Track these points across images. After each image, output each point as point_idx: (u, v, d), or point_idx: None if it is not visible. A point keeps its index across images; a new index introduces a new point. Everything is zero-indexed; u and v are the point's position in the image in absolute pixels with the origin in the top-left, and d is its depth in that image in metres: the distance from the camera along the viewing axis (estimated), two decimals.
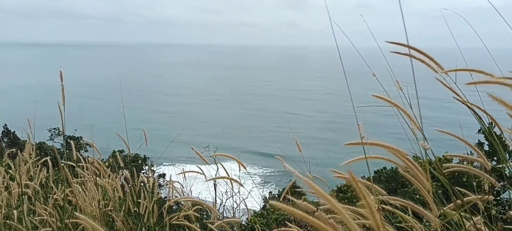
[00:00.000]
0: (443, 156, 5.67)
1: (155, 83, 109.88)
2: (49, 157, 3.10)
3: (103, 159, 3.90)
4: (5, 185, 3.03)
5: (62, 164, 2.52)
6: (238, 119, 65.91)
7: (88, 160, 3.02)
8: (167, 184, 3.05)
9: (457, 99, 1.36)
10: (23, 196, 2.96)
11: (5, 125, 15.92)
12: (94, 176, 2.74)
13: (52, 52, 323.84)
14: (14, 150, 3.40)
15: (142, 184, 2.88)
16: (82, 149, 14.63)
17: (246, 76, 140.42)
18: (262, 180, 38.49)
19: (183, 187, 3.01)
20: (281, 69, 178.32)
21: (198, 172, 2.81)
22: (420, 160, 1.43)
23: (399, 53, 1.29)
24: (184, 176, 2.81)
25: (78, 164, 2.95)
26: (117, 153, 3.53)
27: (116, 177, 2.92)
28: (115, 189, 2.74)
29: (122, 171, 2.94)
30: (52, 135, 17.96)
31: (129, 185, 3.11)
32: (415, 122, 1.21)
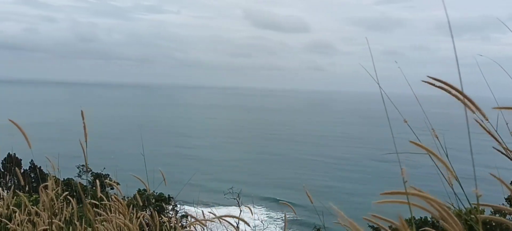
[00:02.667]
0: (474, 206, 5.44)
1: (180, 125, 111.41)
2: (74, 193, 3.13)
3: (127, 197, 3.91)
4: (32, 219, 3.06)
5: (86, 201, 2.52)
6: (258, 163, 65.50)
7: (111, 198, 3.03)
8: (189, 225, 3.01)
9: (496, 149, 1.30)
10: None
11: (32, 160, 16.29)
12: (116, 215, 2.73)
13: (84, 91, 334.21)
14: (47, 184, 3.43)
15: (163, 223, 2.85)
16: (108, 187, 14.71)
17: (270, 119, 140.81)
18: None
19: (204, 228, 2.96)
20: (305, 113, 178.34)
21: (219, 217, 2.76)
22: (454, 209, 1.36)
23: (443, 87, 1.22)
24: (204, 217, 2.77)
25: (102, 202, 2.96)
26: (137, 193, 3.54)
27: (138, 217, 2.91)
28: (135, 229, 2.72)
29: (144, 211, 2.93)
30: (80, 171, 18.26)
31: (150, 225, 3.08)
32: (451, 170, 1.15)
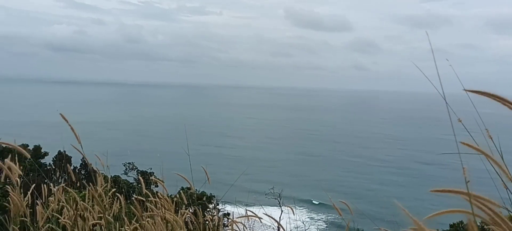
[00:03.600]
0: None
1: (221, 124, 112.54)
2: (122, 190, 3.24)
3: (171, 195, 4.00)
4: (82, 214, 3.19)
5: (133, 198, 2.61)
6: (298, 164, 64.96)
7: (157, 195, 3.11)
8: (230, 224, 3.04)
9: None
10: (95, 227, 3.10)
11: (83, 157, 16.92)
12: (163, 211, 2.81)
13: (131, 91, 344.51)
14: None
15: (206, 222, 2.90)
16: (152, 185, 15.09)
17: (311, 119, 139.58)
18: (326, 227, 37.43)
19: (246, 228, 2.99)
20: (346, 113, 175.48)
21: (257, 217, 2.77)
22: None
23: (488, 95, 1.17)
24: (248, 217, 2.79)
25: (148, 199, 3.05)
26: (181, 191, 3.61)
27: (182, 214, 2.97)
28: (181, 225, 2.78)
29: (188, 208, 2.99)
30: (126, 169, 18.81)
31: (194, 222, 3.14)
32: (507, 172, 1.10)
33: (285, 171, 58.74)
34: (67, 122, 2.78)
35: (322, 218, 39.63)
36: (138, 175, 18.79)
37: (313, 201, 43.32)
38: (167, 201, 2.84)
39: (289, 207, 2.66)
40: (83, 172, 16.84)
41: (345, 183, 52.88)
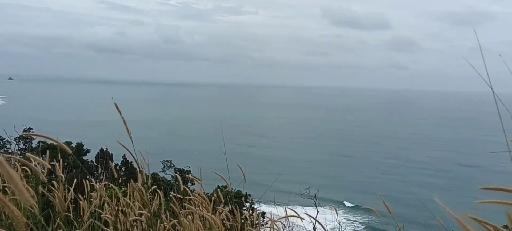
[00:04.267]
0: None
1: (255, 124, 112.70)
2: (161, 187, 3.32)
3: (207, 193, 4.08)
4: (122, 210, 3.29)
5: (171, 195, 2.67)
6: (332, 165, 64.14)
7: (194, 193, 3.17)
8: (267, 223, 3.06)
9: None
10: (135, 222, 3.19)
11: (124, 155, 17.41)
12: (200, 209, 2.86)
13: (168, 91, 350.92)
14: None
15: (243, 220, 2.93)
16: (189, 183, 15.37)
17: (346, 119, 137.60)
18: (364, 228, 36.88)
19: (284, 227, 3.00)
20: (383, 113, 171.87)
21: (299, 217, 2.78)
22: None
23: None
24: (287, 216, 2.80)
25: (186, 196, 3.11)
26: (218, 190, 3.67)
27: (220, 212, 3.02)
28: (218, 223, 2.82)
29: (225, 206, 3.03)
30: (164, 167, 19.22)
31: (231, 221, 3.18)
32: None
33: (318, 171, 58.15)
34: (117, 108, 2.86)
35: (359, 220, 39.05)
36: (175, 173, 19.18)
37: (346, 203, 42.70)
38: (204, 199, 2.89)
39: (333, 207, 2.64)
40: (123, 169, 17.35)
41: (380, 185, 51.88)
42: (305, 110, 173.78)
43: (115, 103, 2.65)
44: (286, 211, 2.72)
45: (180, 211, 2.87)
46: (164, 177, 17.21)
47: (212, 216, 2.70)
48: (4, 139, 19.79)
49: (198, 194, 3.02)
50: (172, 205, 2.76)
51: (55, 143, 2.14)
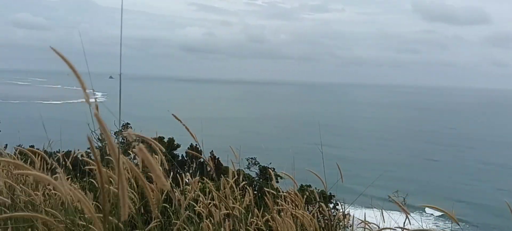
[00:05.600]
0: None
1: (340, 123, 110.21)
2: (253, 184, 3.37)
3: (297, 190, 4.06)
4: (215, 204, 3.41)
5: (265, 190, 2.70)
6: (421, 168, 60.54)
7: (288, 191, 3.18)
8: (359, 225, 2.98)
9: None
10: (227, 217, 3.29)
11: (212, 151, 18.03)
12: (293, 207, 2.86)
13: (255, 89, 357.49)
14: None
15: (337, 220, 2.88)
16: (276, 179, 15.50)
17: (438, 119, 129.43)
18: None
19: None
20: (481, 114, 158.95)
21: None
22: None
23: None
24: (383, 218, 2.70)
25: (278, 193, 3.13)
26: (310, 189, 3.64)
27: (311, 210, 3.00)
28: (310, 221, 2.81)
29: (317, 204, 3.01)
30: (249, 163, 19.60)
31: (322, 220, 3.15)
32: None
33: (403, 175, 55.23)
34: (177, 118, 2.96)
35: (447, 228, 36.64)
36: (259, 170, 19.48)
37: (432, 211, 40.17)
38: (298, 196, 2.89)
39: (433, 207, 2.47)
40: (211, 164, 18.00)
41: (472, 193, 48.21)
42: (393, 110, 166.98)
43: (173, 114, 2.74)
44: (381, 213, 2.62)
45: (274, 207, 2.89)
46: (248, 174, 17.54)
47: (307, 214, 2.69)
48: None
49: (291, 192, 3.03)
50: (267, 200, 2.79)
51: (151, 142, 2.27)
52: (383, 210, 3.09)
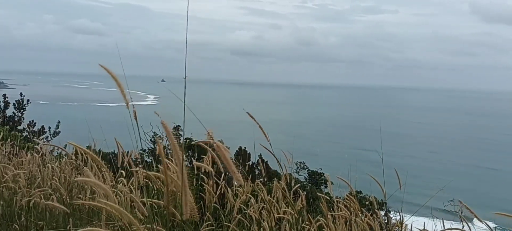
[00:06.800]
0: None
1: (390, 128, 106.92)
2: (305, 188, 3.32)
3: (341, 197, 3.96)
4: (266, 208, 3.39)
5: (319, 195, 2.64)
6: (470, 177, 57.25)
7: (347, 195, 3.10)
8: None
9: None
10: (279, 221, 3.24)
11: (260, 154, 18.05)
12: (348, 213, 2.78)
13: (304, 93, 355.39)
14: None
15: (396, 228, 2.77)
16: (322, 185, 15.34)
17: (492, 125, 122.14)
18: None
19: None
20: None
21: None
22: None
23: None
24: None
25: (331, 198, 3.06)
26: (355, 193, 3.53)
27: (365, 216, 2.90)
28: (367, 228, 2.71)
29: (374, 212, 2.91)
30: (297, 168, 19.47)
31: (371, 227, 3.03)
32: None
33: (458, 184, 52.53)
34: (253, 118, 2.94)
35: None
36: (308, 174, 19.28)
37: (493, 224, 37.86)
38: (354, 201, 2.80)
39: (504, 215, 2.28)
40: (259, 168, 18.05)
41: None
42: (448, 115, 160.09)
43: (248, 113, 2.72)
44: (442, 223, 2.48)
45: (329, 213, 2.82)
46: (297, 178, 17.42)
47: (367, 220, 2.60)
48: (158, 134, 22.11)
49: (347, 197, 2.95)
50: (321, 206, 2.73)
51: (202, 144, 2.27)
52: (444, 220, 2.93)
